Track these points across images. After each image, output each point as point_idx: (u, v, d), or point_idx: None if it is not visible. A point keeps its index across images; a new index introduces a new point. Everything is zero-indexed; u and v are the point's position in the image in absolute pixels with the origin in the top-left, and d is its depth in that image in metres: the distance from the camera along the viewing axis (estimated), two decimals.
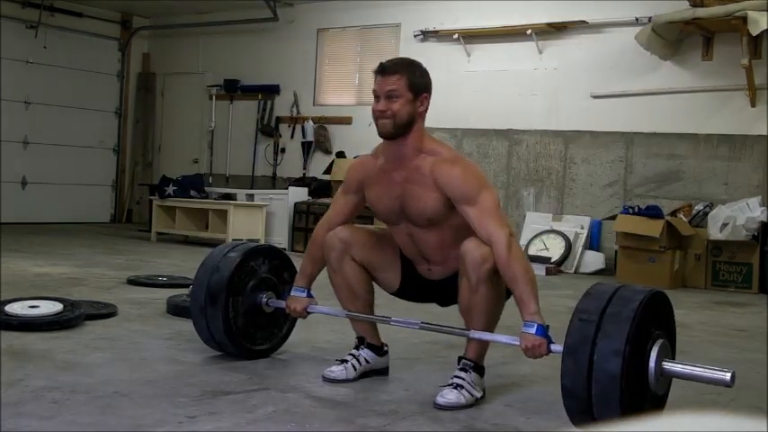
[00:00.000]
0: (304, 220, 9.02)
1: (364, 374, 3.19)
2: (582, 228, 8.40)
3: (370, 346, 3.24)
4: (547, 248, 8.27)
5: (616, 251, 7.75)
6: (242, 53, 11.40)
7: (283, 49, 10.93)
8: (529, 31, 8.74)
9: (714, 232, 7.27)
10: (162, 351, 3.54)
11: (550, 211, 8.78)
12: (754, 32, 7.07)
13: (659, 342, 2.55)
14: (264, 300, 3.35)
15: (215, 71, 11.64)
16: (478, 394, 2.91)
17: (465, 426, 2.65)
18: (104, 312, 4.24)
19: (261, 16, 10.78)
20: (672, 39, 7.97)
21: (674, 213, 7.69)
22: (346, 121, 10.29)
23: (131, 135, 12.39)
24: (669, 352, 2.61)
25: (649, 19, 7.93)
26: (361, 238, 3.16)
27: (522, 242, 8.56)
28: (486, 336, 2.88)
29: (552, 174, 8.84)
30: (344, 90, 10.43)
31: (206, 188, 9.92)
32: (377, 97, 2.96)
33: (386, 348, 3.30)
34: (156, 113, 12.51)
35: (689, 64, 8.08)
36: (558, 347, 2.66)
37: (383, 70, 2.95)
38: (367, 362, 3.21)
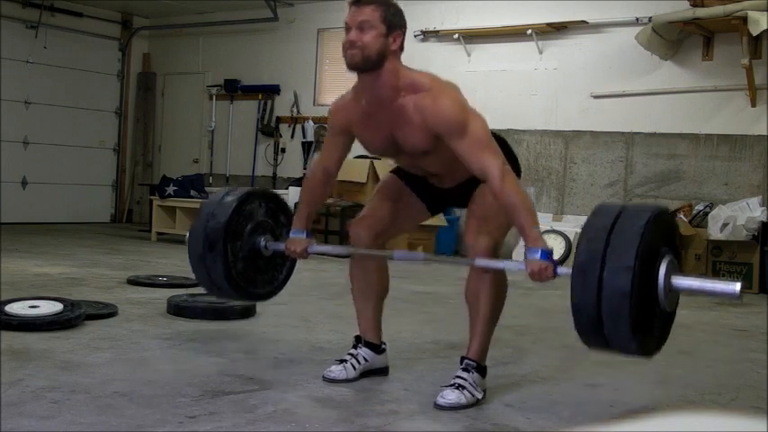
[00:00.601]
0: None
1: (364, 374, 3.19)
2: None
3: (368, 345, 3.24)
4: None
5: None
6: (242, 53, 11.41)
7: (283, 49, 10.94)
8: (529, 31, 8.74)
9: (714, 232, 7.27)
10: (162, 351, 3.54)
11: (551, 210, 8.78)
12: (755, 32, 7.07)
13: (667, 258, 2.53)
14: (263, 243, 3.28)
15: (215, 71, 11.65)
16: (479, 395, 2.90)
17: (465, 426, 2.65)
18: (104, 312, 4.24)
19: (261, 16, 10.78)
20: (672, 39, 7.98)
21: (674, 213, 7.69)
22: None
23: (131, 135, 12.40)
24: (677, 268, 2.59)
25: (649, 19, 7.93)
26: (380, 220, 3.14)
27: (523, 242, 8.55)
28: (492, 264, 2.88)
29: (552, 174, 8.84)
30: (345, 90, 10.41)
31: (206, 188, 9.93)
32: (347, 28, 2.84)
33: (384, 346, 3.29)
34: (156, 113, 12.51)
35: (689, 64, 8.08)
36: (564, 270, 2.65)
37: (357, 1, 2.84)
38: (366, 360, 3.20)
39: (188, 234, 3.29)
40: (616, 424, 0.63)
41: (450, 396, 2.83)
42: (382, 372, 3.27)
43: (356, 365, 3.17)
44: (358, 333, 3.29)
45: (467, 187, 3.01)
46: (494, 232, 2.94)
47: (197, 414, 2.59)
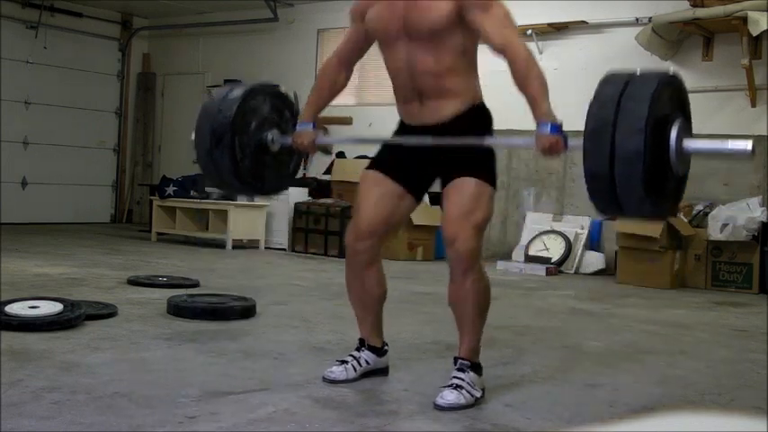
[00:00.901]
0: (304, 221, 9.02)
1: (364, 375, 3.19)
2: (582, 228, 8.40)
3: (371, 348, 3.23)
4: (547, 249, 8.27)
5: (616, 251, 7.74)
6: (242, 53, 11.40)
7: (283, 50, 10.93)
8: (529, 32, 8.74)
9: (714, 232, 7.27)
10: (162, 351, 3.54)
11: (550, 211, 8.78)
12: (755, 33, 7.07)
13: (678, 121, 2.53)
14: (270, 137, 3.28)
15: (215, 71, 11.65)
16: (478, 394, 2.90)
17: (465, 426, 2.65)
18: (104, 312, 4.24)
19: (261, 16, 10.77)
20: (672, 39, 7.98)
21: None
22: (347, 121, 10.28)
23: (131, 135, 12.40)
24: (688, 131, 2.59)
25: (649, 19, 7.93)
26: (370, 222, 3.06)
27: (522, 242, 8.57)
28: (502, 141, 2.87)
29: (552, 174, 8.84)
30: (345, 90, 10.39)
31: (206, 188, 9.92)
32: None
33: (386, 348, 3.29)
34: (156, 113, 12.52)
35: (689, 64, 8.08)
36: (575, 142, 2.67)
37: None
38: (367, 363, 3.20)
39: (194, 132, 3.27)
40: (616, 424, 0.63)
41: (449, 396, 2.82)
42: (382, 372, 3.27)
43: (357, 367, 3.16)
44: (361, 336, 3.27)
45: (448, 132, 2.90)
46: (477, 220, 2.86)
47: (197, 414, 2.59)
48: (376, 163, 3.14)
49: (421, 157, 3.03)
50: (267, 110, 3.34)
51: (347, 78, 3.33)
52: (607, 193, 2.49)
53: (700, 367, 3.81)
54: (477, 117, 2.99)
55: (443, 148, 2.95)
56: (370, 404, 2.87)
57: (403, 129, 3.11)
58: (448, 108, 2.94)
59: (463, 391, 2.85)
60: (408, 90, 2.98)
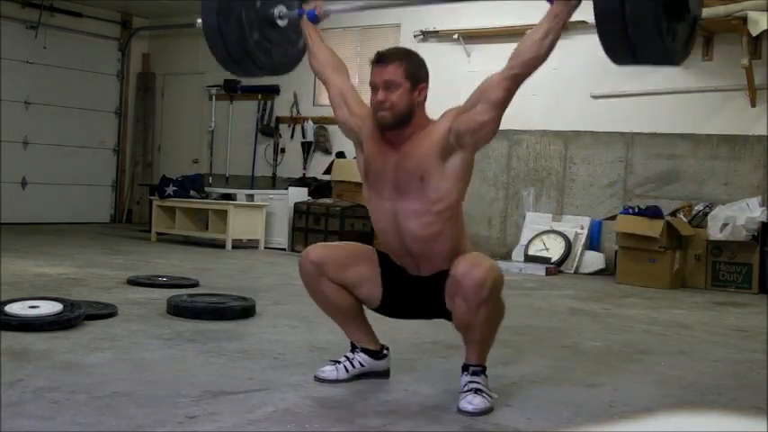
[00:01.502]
0: (304, 221, 9.02)
1: (360, 376, 3.17)
2: (582, 228, 8.40)
3: (365, 351, 3.20)
4: (547, 248, 8.27)
5: (616, 251, 7.74)
6: None
7: None
8: (529, 32, 8.72)
9: (714, 232, 7.27)
10: (162, 351, 3.54)
11: (550, 211, 8.78)
12: (754, 33, 7.07)
13: None
14: (277, 12, 3.29)
15: (215, 71, 11.60)
16: (495, 395, 2.89)
17: (465, 426, 2.65)
18: (104, 312, 4.24)
19: None
20: None
21: (674, 213, 7.68)
22: None
23: (131, 135, 12.40)
24: None
25: None
26: (334, 256, 3.07)
27: (522, 242, 8.57)
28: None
29: (552, 174, 8.84)
30: None
31: (206, 188, 9.93)
32: (374, 88, 2.92)
33: (385, 351, 3.25)
34: (155, 114, 12.51)
35: (689, 64, 8.06)
36: None
37: (380, 59, 2.92)
38: (362, 365, 3.18)
39: (201, 13, 3.26)
40: (616, 424, 0.63)
41: (476, 401, 2.79)
42: (383, 375, 3.24)
43: (349, 368, 3.15)
44: (352, 341, 3.25)
45: (441, 284, 2.86)
46: (492, 266, 2.79)
47: (197, 414, 2.59)
48: (381, 255, 3.12)
49: (414, 290, 3.03)
50: None
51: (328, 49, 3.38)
52: (618, 37, 2.47)
53: (700, 367, 3.81)
54: None
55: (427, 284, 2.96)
56: (371, 404, 2.87)
57: (398, 276, 3.06)
58: (442, 264, 2.92)
59: (484, 395, 2.83)
60: (400, 249, 3.01)
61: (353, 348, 3.21)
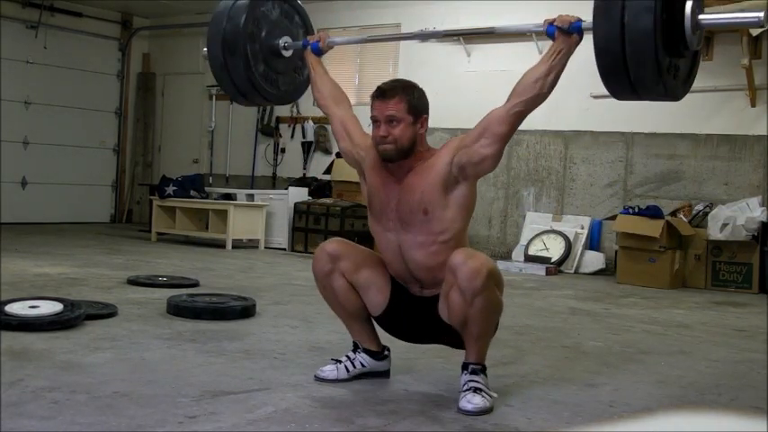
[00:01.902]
0: (304, 221, 9.02)
1: (360, 376, 3.17)
2: (582, 228, 8.40)
3: (367, 351, 3.21)
4: (547, 248, 8.27)
5: (616, 251, 7.75)
6: None
7: None
8: (531, 68, 8.72)
9: (714, 232, 7.27)
10: (162, 351, 3.54)
11: (550, 211, 8.78)
12: (754, 33, 7.07)
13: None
14: (282, 43, 3.36)
15: None
16: (495, 395, 2.89)
17: (465, 426, 2.65)
18: (104, 312, 4.24)
19: None
20: None
21: (674, 213, 7.68)
22: None
23: (131, 135, 12.40)
24: (701, 7, 2.61)
25: None
26: (350, 252, 3.10)
27: (522, 242, 8.57)
28: (512, 27, 2.94)
29: (552, 174, 8.84)
30: (345, 90, 10.40)
31: (206, 188, 9.93)
32: (376, 122, 2.94)
33: (386, 352, 3.26)
34: (156, 113, 12.52)
35: None
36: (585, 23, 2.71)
37: (382, 94, 2.94)
38: (362, 365, 3.19)
39: (206, 47, 3.35)
40: (616, 424, 0.63)
41: (476, 400, 2.80)
42: (383, 375, 3.25)
43: (350, 368, 3.16)
44: (355, 340, 3.26)
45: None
46: (488, 260, 2.83)
47: (197, 414, 2.59)
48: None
49: (418, 310, 3.06)
50: (277, 15, 3.39)
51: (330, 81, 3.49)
52: (619, 73, 2.50)
53: (700, 367, 3.81)
54: None
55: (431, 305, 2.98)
56: (371, 404, 2.87)
57: (403, 294, 3.09)
58: (439, 285, 2.94)
59: (484, 394, 2.84)
60: (406, 275, 3.05)
61: (355, 348, 3.22)
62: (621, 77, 2.51)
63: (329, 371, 3.15)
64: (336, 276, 3.07)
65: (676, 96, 2.68)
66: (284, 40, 3.39)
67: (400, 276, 3.08)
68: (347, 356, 3.20)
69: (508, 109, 2.88)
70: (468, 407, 2.77)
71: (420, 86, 3.02)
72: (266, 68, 3.34)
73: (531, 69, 2.91)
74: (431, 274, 2.98)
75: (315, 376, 3.15)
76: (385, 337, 3.30)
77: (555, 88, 2.92)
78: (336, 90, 3.41)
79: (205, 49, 3.36)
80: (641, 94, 2.57)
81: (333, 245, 3.11)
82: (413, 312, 3.06)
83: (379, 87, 2.98)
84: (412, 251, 2.98)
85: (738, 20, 2.56)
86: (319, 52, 3.43)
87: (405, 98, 2.93)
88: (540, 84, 2.89)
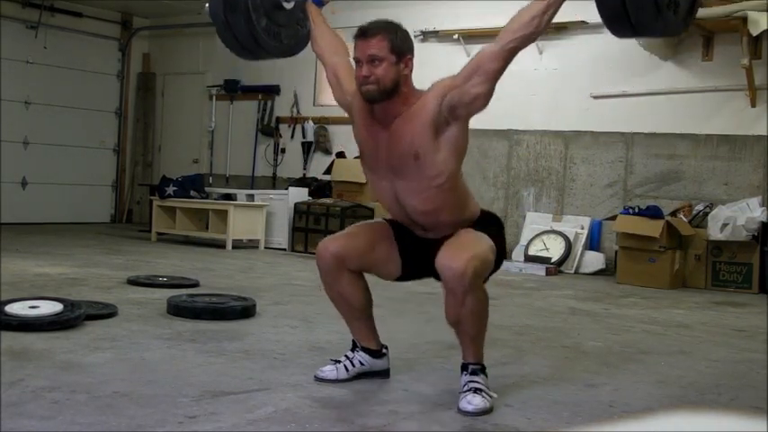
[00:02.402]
0: (304, 221, 9.02)
1: (364, 375, 3.18)
2: (582, 228, 8.40)
3: (366, 350, 3.20)
4: (547, 248, 8.27)
5: (616, 251, 7.75)
6: None
7: None
8: (526, 6, 8.71)
9: (714, 232, 7.27)
10: (162, 351, 3.54)
11: (550, 211, 8.78)
12: (754, 33, 7.07)
13: None
14: None
15: (215, 71, 11.64)
16: (495, 395, 2.90)
17: (465, 426, 2.65)
18: (104, 312, 4.24)
19: None
20: (672, 39, 7.97)
21: (674, 213, 7.68)
22: (346, 121, 10.24)
23: (131, 135, 12.40)
24: None
25: None
26: (353, 246, 3.05)
27: (522, 242, 8.57)
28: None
29: (552, 174, 8.84)
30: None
31: (206, 188, 9.93)
32: (358, 62, 2.89)
33: (385, 351, 3.25)
34: (156, 114, 12.51)
35: (689, 64, 8.08)
36: None
37: (363, 33, 2.90)
38: (362, 364, 3.18)
39: (208, 5, 3.27)
40: (616, 424, 0.63)
41: (476, 400, 2.79)
42: (382, 374, 3.24)
43: (349, 367, 3.16)
44: (354, 338, 3.26)
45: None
46: (476, 259, 2.75)
47: (197, 414, 2.59)
48: (393, 222, 3.13)
49: (416, 251, 3.04)
50: None
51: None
52: (618, 12, 2.48)
53: (700, 367, 3.81)
54: (483, 222, 3.01)
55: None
56: (370, 404, 2.87)
57: (410, 241, 3.08)
58: (449, 230, 2.93)
59: (484, 394, 2.84)
60: (407, 221, 3.04)
61: (354, 347, 3.21)
62: (623, 21, 2.51)
63: (329, 371, 3.15)
64: (343, 276, 3.04)
65: (677, 32, 2.68)
66: None
67: (402, 221, 3.06)
68: (346, 356, 3.20)
69: (502, 46, 2.82)
70: (468, 407, 2.77)
71: (404, 27, 2.97)
72: (268, 22, 3.29)
73: (528, 7, 2.85)
74: (430, 218, 2.96)
75: (315, 377, 3.15)
76: (385, 337, 3.30)
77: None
78: (335, 40, 3.33)
79: (206, 6, 3.31)
80: (642, 33, 2.57)
81: (335, 244, 3.04)
82: (424, 253, 2.95)
83: (360, 27, 2.92)
84: (408, 198, 2.94)
85: None
86: (320, 3, 3.37)
87: (387, 37, 2.88)
88: (537, 21, 2.83)
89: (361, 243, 3.07)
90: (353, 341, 3.23)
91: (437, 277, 2.88)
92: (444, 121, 2.84)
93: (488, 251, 2.84)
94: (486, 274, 2.85)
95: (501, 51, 2.82)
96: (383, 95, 2.86)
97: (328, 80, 3.25)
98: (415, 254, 3.06)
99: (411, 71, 2.92)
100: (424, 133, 2.84)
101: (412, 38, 2.97)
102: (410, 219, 3.01)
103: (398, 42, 2.89)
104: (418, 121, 2.85)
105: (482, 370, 2.92)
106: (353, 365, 3.17)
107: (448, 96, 2.83)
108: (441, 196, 2.90)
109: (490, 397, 2.85)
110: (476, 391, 2.83)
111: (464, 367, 2.92)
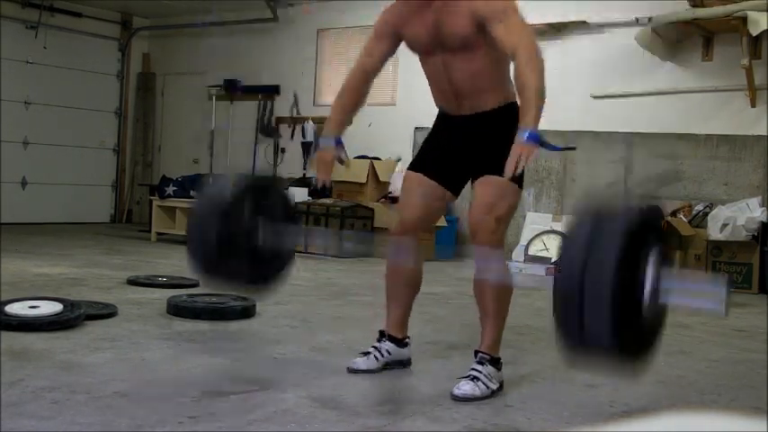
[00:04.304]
0: (304, 221, 9.01)
1: (386, 365, 3.31)
2: None
3: (392, 339, 3.35)
4: (547, 248, 8.27)
5: None
6: (242, 53, 11.40)
7: (283, 50, 10.94)
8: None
9: (714, 232, 7.27)
10: (162, 351, 3.54)
11: (550, 211, 8.78)
12: (754, 33, 7.07)
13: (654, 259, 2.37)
14: (262, 234, 3.10)
15: (215, 71, 11.64)
16: (494, 386, 3.00)
17: (464, 426, 2.65)
18: (104, 312, 4.24)
19: (261, 17, 10.78)
20: (672, 39, 7.98)
21: (674, 213, 7.68)
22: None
23: (131, 135, 12.40)
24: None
25: (649, 19, 7.93)
26: (416, 216, 3.27)
27: (522, 242, 8.57)
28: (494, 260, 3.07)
29: (552, 174, 8.85)
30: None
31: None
32: None
33: (407, 340, 3.41)
34: (156, 114, 12.51)
35: (689, 64, 8.08)
36: (556, 146, 2.87)
37: None
38: (389, 353, 3.33)
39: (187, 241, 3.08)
40: (616, 424, 0.63)
41: (465, 387, 2.94)
42: (405, 363, 3.39)
43: (379, 357, 3.30)
44: (381, 328, 3.39)
45: (481, 123, 3.11)
46: (499, 213, 3.06)
47: (197, 414, 2.59)
48: (417, 164, 3.33)
49: (457, 157, 3.21)
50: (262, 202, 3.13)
51: (370, 87, 3.40)
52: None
53: (700, 367, 3.81)
54: (508, 113, 3.10)
55: (477, 147, 3.14)
56: (371, 404, 2.87)
57: (443, 118, 3.29)
58: (483, 104, 3.12)
59: (479, 383, 2.95)
60: (446, 90, 3.18)
61: (380, 338, 3.35)
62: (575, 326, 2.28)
63: (362, 362, 3.28)
64: (417, 247, 3.33)
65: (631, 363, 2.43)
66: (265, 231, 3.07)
67: (442, 93, 3.21)
68: (374, 347, 3.33)
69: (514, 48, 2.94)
70: (456, 392, 2.92)
71: None
72: (249, 259, 3.05)
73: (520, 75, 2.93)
74: (472, 82, 3.10)
75: (348, 369, 3.26)
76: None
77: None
78: (365, 77, 3.36)
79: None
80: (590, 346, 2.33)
81: (410, 217, 3.27)
82: (460, 166, 3.21)
83: None
84: (455, 64, 3.09)
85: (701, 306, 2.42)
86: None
87: None
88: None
89: (422, 212, 3.28)
90: (380, 332, 3.37)
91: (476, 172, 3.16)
92: (481, 25, 3.01)
93: (509, 204, 3.11)
94: (511, 216, 3.18)
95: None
96: None
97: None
98: (451, 167, 3.24)
99: None
100: (469, 26, 3.00)
101: None
102: (451, 87, 3.13)
103: None
104: (464, 19, 3.00)
105: (490, 361, 3.04)
106: (382, 355, 3.31)
107: (487, 22, 2.98)
108: (483, 63, 3.07)
109: (487, 387, 2.96)
110: (472, 378, 2.97)
111: (474, 354, 3.09)
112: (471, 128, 3.15)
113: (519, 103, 2.93)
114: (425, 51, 3.18)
